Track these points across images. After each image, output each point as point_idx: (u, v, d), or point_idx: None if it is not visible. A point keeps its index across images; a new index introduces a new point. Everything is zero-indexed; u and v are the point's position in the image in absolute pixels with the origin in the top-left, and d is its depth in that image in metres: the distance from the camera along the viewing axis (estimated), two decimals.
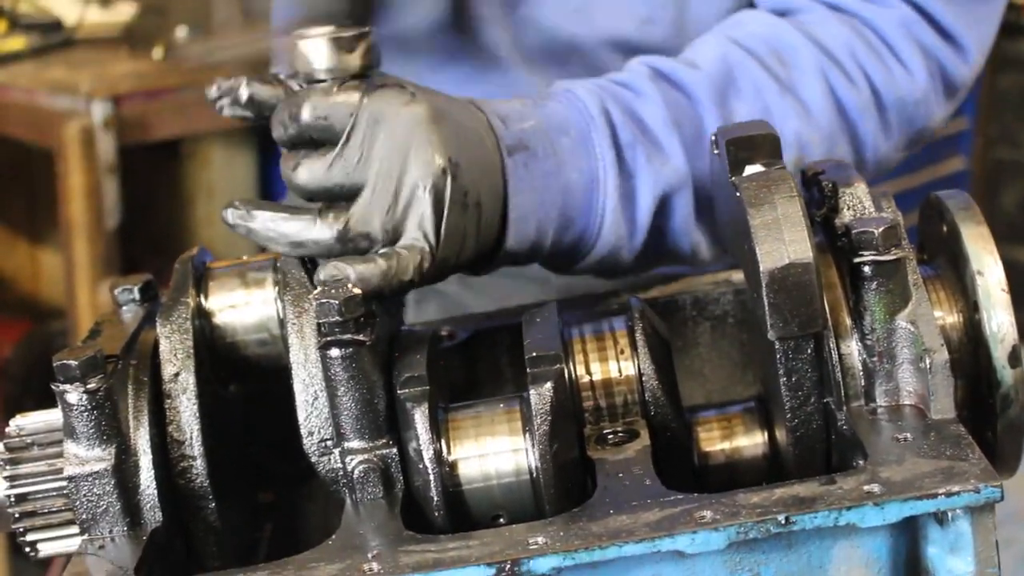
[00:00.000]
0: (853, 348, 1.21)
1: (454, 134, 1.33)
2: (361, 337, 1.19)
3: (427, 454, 1.21)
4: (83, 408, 1.20)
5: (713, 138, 1.30)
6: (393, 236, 1.30)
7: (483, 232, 1.37)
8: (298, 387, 1.27)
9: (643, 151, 1.48)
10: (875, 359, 1.20)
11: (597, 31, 1.77)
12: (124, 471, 1.21)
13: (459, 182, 1.31)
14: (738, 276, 1.56)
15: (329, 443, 1.26)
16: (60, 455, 1.22)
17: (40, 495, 1.24)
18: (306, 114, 1.30)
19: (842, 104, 1.59)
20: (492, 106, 1.43)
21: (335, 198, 1.30)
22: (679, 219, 1.51)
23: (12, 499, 1.24)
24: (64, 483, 1.21)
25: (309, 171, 1.30)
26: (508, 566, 1.08)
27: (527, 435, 1.22)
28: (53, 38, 4.32)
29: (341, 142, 1.30)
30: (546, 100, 1.49)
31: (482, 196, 1.35)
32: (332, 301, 1.18)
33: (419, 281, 1.29)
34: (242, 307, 1.36)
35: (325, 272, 1.26)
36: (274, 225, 1.30)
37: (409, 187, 1.29)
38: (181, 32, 4.12)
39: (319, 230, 1.29)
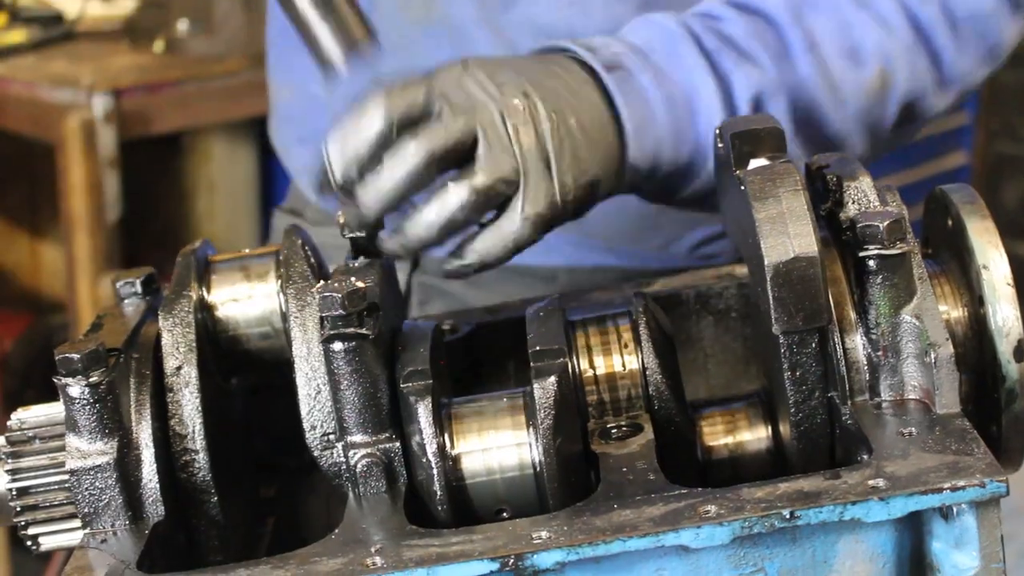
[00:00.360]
0: (858, 342, 1.21)
1: (523, 70, 1.39)
2: (364, 331, 1.19)
3: (430, 448, 1.20)
4: (85, 401, 1.20)
5: (717, 132, 1.29)
6: (518, 174, 1.34)
7: (599, 153, 1.41)
8: (300, 381, 1.27)
9: (730, 56, 1.51)
10: (880, 353, 1.20)
11: (595, 22, 1.77)
12: (126, 465, 1.21)
13: (547, 106, 1.37)
14: (741, 270, 1.55)
15: (331, 437, 1.25)
16: (62, 449, 1.22)
17: (42, 489, 1.24)
18: (394, 109, 1.33)
19: (916, 18, 1.60)
20: (575, 43, 1.48)
21: (445, 167, 1.34)
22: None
23: (14, 493, 1.24)
24: (66, 477, 1.21)
25: (427, 144, 1.32)
26: (511, 560, 1.08)
27: (531, 429, 1.22)
28: (54, 31, 4.31)
29: (435, 116, 1.33)
30: (625, 32, 1.54)
31: (582, 117, 1.40)
32: (335, 295, 1.18)
33: (551, 215, 1.35)
34: (244, 300, 1.36)
35: (456, 264, 1.34)
36: (429, 217, 1.33)
37: (505, 126, 1.34)
38: (182, 25, 4.11)
39: (461, 192, 1.33)
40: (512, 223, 1.35)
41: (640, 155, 1.45)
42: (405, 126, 1.33)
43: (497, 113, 1.34)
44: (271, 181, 4.64)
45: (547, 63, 1.45)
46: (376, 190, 1.33)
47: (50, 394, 1.26)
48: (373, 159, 1.33)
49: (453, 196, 1.33)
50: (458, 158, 1.34)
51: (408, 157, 1.32)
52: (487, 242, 1.37)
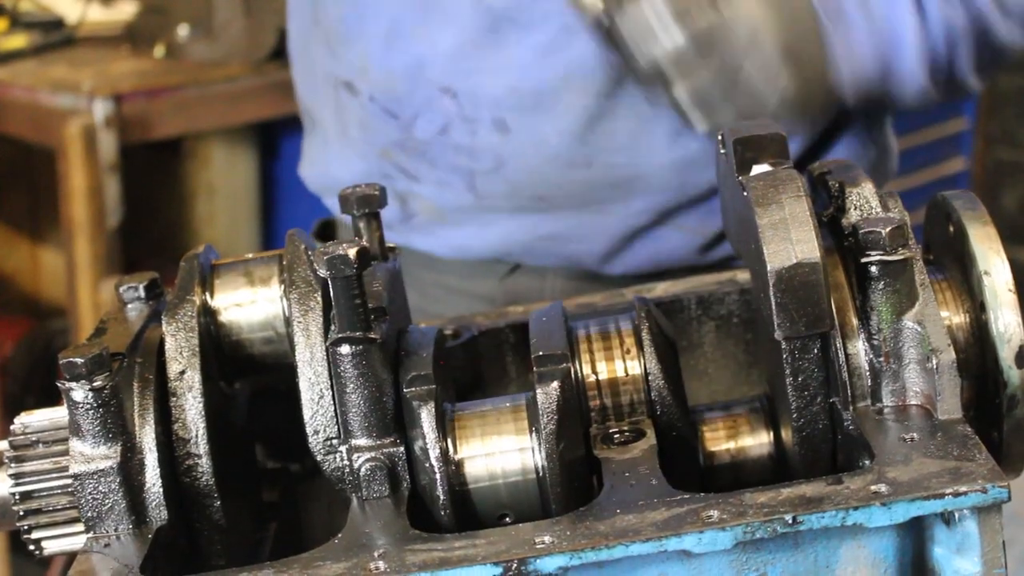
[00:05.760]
0: (860, 348, 1.21)
1: None
2: (372, 335, 1.19)
3: (433, 453, 1.21)
4: (89, 406, 1.20)
5: (720, 137, 1.30)
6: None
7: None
8: (304, 385, 1.27)
9: None
10: (882, 359, 1.20)
11: None
12: (129, 469, 1.21)
13: None
14: (743, 276, 1.55)
15: (335, 441, 1.25)
16: (65, 453, 1.22)
17: (45, 493, 1.24)
18: None
19: None
20: None
21: None
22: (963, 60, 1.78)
23: (17, 497, 1.24)
24: (69, 481, 1.21)
25: None
26: (514, 565, 1.08)
27: (533, 434, 1.22)
28: (54, 36, 4.31)
29: None
30: None
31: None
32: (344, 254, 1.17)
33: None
34: (248, 305, 1.36)
35: None
36: None
37: None
38: (183, 31, 4.12)
39: None
40: None
41: (843, 84, 1.62)
42: None
43: None
44: (271, 186, 4.64)
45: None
46: None
47: (50, 399, 1.26)
48: None
49: None
50: None
51: None
52: None
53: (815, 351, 1.19)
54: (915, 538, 1.13)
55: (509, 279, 2.00)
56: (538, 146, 1.86)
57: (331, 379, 1.23)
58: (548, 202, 1.91)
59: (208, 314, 1.35)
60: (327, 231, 2.19)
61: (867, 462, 1.14)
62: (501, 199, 1.92)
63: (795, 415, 1.21)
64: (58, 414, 1.25)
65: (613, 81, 1.82)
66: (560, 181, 1.89)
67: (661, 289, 1.57)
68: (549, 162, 1.88)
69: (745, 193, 1.21)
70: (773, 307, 1.16)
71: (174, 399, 1.27)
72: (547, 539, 1.09)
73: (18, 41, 4.24)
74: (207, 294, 1.36)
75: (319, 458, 1.26)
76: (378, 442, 1.21)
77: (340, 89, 1.97)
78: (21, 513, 1.24)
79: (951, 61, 1.78)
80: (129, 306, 1.39)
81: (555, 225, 1.93)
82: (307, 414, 1.26)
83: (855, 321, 1.22)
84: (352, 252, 1.17)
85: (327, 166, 2.07)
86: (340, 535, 1.16)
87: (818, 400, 1.21)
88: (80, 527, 1.22)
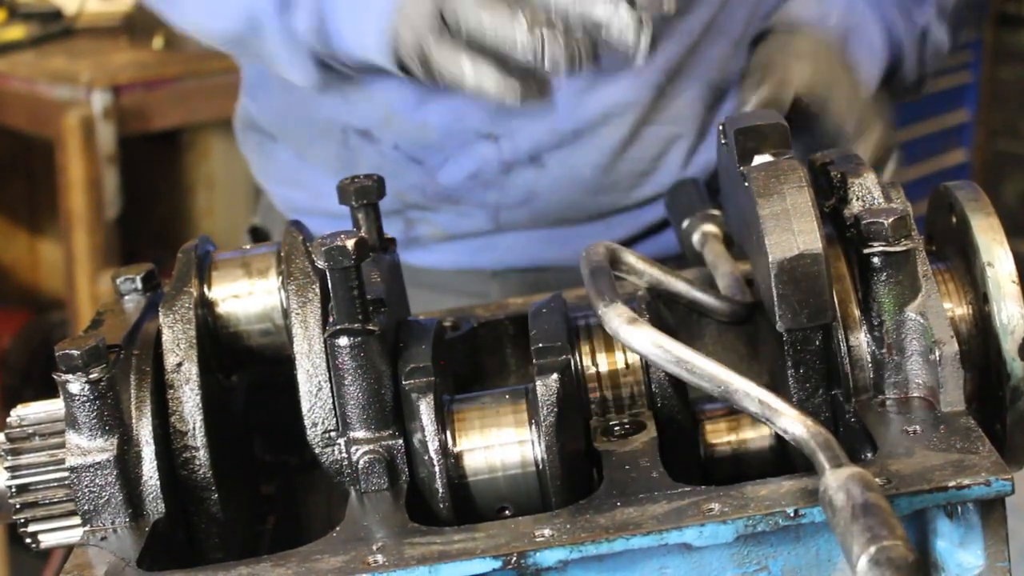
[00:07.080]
0: (862, 340, 1.20)
1: None
2: (370, 326, 1.18)
3: (432, 445, 1.20)
4: (85, 398, 1.19)
5: (721, 128, 1.29)
6: None
7: None
8: (302, 377, 1.26)
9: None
10: (884, 351, 1.19)
11: None
12: (126, 462, 1.21)
13: None
14: (743, 267, 1.54)
15: (333, 434, 1.25)
16: (62, 445, 1.21)
17: (42, 486, 1.23)
18: None
19: None
20: (795, 13, 1.85)
21: None
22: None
23: (13, 490, 1.23)
24: (66, 474, 1.20)
25: None
26: (514, 559, 1.07)
27: (533, 427, 1.22)
28: (53, 27, 4.31)
29: None
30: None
31: None
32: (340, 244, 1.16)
33: None
34: (245, 297, 1.35)
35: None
36: None
37: None
38: None
39: None
40: None
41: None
42: None
43: None
44: None
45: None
46: None
47: (49, 391, 1.25)
48: None
49: None
50: None
51: None
52: None
53: (817, 343, 1.19)
54: (918, 531, 1.12)
55: (503, 276, 1.99)
56: (571, 178, 1.91)
57: (329, 371, 1.22)
58: (568, 221, 1.95)
59: (205, 306, 1.34)
60: (258, 236, 2.19)
61: (869, 455, 1.13)
62: (522, 224, 1.95)
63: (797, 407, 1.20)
64: (54, 406, 1.25)
65: (646, 112, 1.88)
66: (585, 205, 1.94)
67: None
68: (579, 191, 1.92)
69: (747, 184, 1.20)
70: (775, 298, 1.16)
71: (171, 391, 1.26)
72: (547, 532, 1.09)
73: (16, 32, 4.24)
74: (204, 286, 1.35)
75: (317, 451, 1.26)
76: (377, 434, 1.21)
77: (351, 135, 1.94)
78: (18, 506, 1.24)
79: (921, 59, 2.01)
80: (126, 298, 1.38)
81: (566, 237, 1.95)
82: (305, 406, 1.26)
83: (857, 313, 1.21)
84: (350, 243, 1.16)
85: (319, 194, 2.02)
86: (338, 528, 1.15)
87: (820, 392, 1.21)
88: (77, 520, 1.22)
